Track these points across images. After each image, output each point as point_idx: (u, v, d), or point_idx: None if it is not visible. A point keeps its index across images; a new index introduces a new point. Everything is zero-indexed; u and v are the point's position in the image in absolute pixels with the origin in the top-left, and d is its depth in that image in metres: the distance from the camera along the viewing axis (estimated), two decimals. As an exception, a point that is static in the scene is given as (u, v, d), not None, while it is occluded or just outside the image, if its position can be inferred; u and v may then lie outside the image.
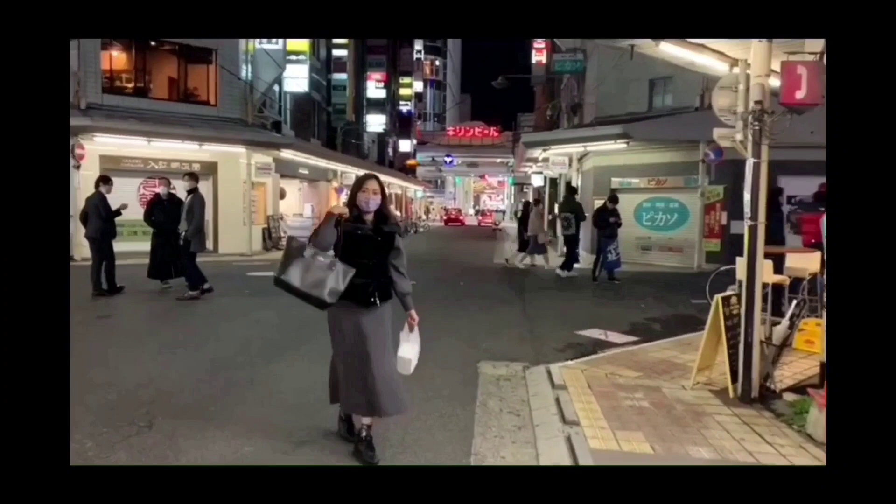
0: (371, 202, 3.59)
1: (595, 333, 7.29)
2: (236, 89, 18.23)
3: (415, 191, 51.95)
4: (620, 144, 15.75)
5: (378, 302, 3.63)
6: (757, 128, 4.68)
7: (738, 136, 4.91)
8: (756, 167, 4.73)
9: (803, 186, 11.92)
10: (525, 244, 15.57)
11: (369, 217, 3.63)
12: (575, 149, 17.20)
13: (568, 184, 13.32)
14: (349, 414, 3.88)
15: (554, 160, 18.63)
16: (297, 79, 21.60)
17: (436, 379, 5.24)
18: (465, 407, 4.60)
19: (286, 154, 19.52)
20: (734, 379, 4.90)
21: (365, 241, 3.59)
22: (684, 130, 14.82)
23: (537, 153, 20.20)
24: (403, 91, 46.37)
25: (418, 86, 55.26)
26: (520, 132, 43.98)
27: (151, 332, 7.12)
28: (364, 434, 3.73)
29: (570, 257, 13.36)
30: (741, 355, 4.84)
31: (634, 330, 7.56)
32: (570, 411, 4.38)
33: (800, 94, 4.54)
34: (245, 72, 18.61)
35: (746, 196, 4.78)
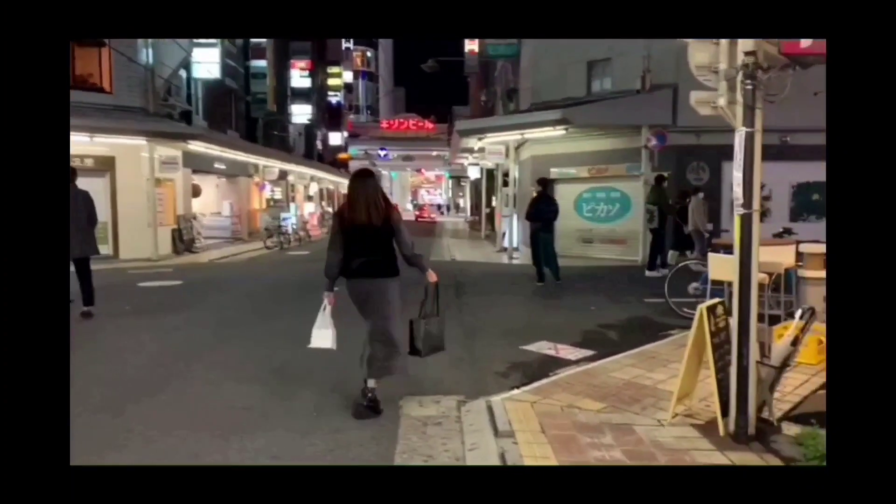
0: None
1: (543, 347, 6.12)
2: (135, 75, 16.24)
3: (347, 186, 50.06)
4: (559, 131, 14.79)
5: None
6: (750, 87, 3.59)
7: (722, 101, 3.80)
8: (749, 139, 3.64)
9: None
10: (684, 242, 11.97)
11: None
12: (512, 136, 16.17)
13: (658, 175, 12.61)
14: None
15: (490, 150, 17.49)
16: (207, 64, 19.60)
17: (342, 432, 3.92)
18: (377, 477, 3.32)
19: (196, 146, 17.58)
20: (724, 412, 3.84)
21: None
22: (626, 115, 14.13)
23: (472, 142, 19.06)
24: (332, 81, 44.25)
25: (348, 76, 53.21)
26: (455, 124, 42.80)
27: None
28: (371, 395, 4.19)
29: (655, 255, 12.12)
30: (733, 381, 3.77)
31: (588, 340, 6.44)
32: (521, 478, 3.17)
33: (806, 42, 3.51)
34: (146, 55, 16.60)
35: (737, 175, 3.67)
